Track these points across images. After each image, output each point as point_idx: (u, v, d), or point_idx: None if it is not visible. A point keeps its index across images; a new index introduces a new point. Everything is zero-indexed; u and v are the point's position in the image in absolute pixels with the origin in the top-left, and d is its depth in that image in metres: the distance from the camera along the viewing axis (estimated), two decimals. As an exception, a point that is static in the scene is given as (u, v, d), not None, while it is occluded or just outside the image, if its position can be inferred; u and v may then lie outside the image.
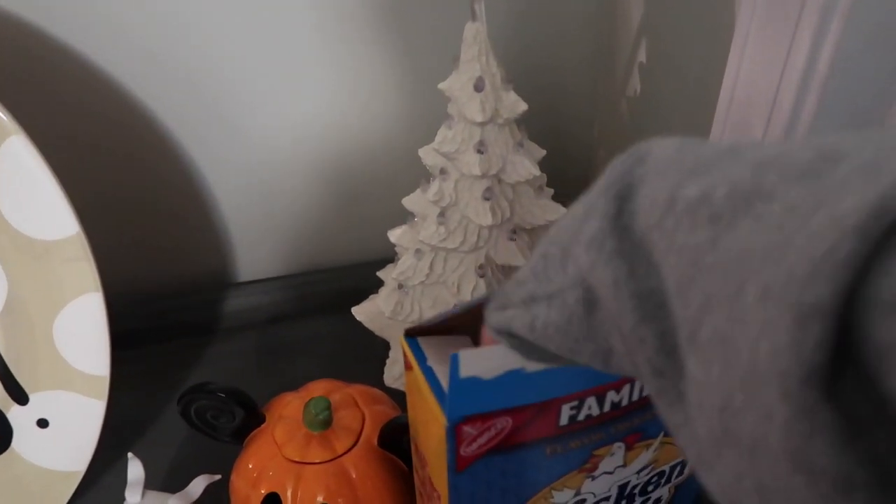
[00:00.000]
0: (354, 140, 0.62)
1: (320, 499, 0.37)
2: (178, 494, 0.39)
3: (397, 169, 0.64)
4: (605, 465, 0.31)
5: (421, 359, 0.28)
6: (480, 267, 0.44)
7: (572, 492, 0.31)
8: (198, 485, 0.44)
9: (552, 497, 0.31)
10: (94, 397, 0.43)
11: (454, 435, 0.26)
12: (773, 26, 0.34)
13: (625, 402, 0.29)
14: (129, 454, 0.47)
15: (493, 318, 0.24)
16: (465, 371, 0.26)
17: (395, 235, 0.49)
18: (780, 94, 0.35)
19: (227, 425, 0.41)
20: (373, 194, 0.65)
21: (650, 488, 0.35)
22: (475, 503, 0.29)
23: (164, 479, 0.47)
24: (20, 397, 0.43)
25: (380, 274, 0.52)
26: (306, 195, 0.64)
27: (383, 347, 0.54)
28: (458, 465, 0.27)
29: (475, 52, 0.39)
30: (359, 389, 0.43)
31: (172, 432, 0.50)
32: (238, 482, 0.40)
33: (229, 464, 0.42)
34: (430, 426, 0.28)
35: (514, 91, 0.41)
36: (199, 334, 0.60)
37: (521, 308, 0.22)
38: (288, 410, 0.41)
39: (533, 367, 0.26)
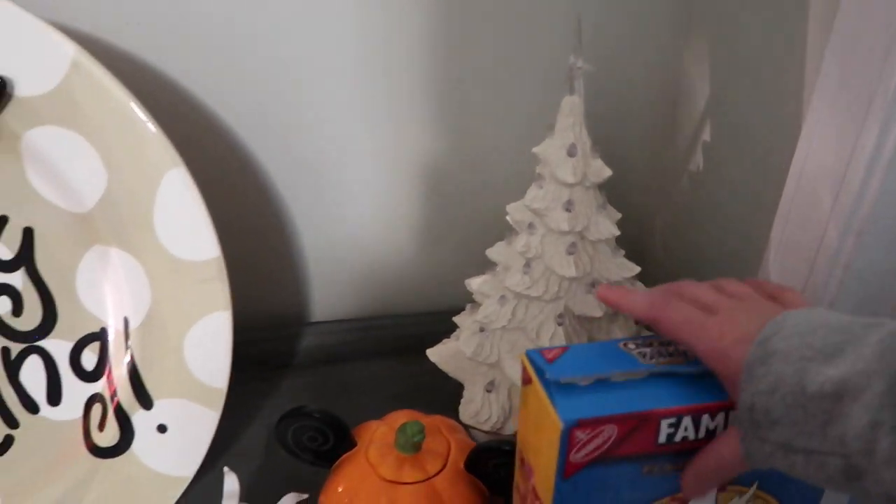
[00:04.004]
0: (435, 198, 0.67)
1: (414, 518, 0.40)
2: None
3: (472, 225, 0.68)
4: (697, 500, 0.33)
5: (540, 373, 0.32)
6: (560, 316, 0.48)
7: None
8: (287, 502, 0.47)
9: None
10: (210, 408, 0.47)
11: (567, 438, 0.29)
12: (843, 114, 0.39)
13: (720, 431, 0.31)
14: (225, 468, 0.50)
15: (754, 446, 0.28)
16: (562, 378, 0.31)
17: (475, 283, 0.53)
18: (848, 173, 0.39)
19: (318, 448, 0.43)
20: (446, 248, 0.69)
21: None
22: None
23: (246, 495, 0.49)
24: (146, 402, 0.47)
25: (456, 319, 0.56)
26: (384, 248, 0.69)
27: (452, 389, 0.57)
28: (566, 471, 0.30)
29: (570, 122, 0.44)
30: (440, 419, 0.46)
31: (251, 450, 0.53)
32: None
33: (311, 484, 0.44)
34: (543, 434, 0.31)
35: (600, 158, 0.46)
36: (272, 367, 0.64)
37: (780, 452, 0.27)
38: (377, 436, 0.44)
39: (619, 377, 0.31)
